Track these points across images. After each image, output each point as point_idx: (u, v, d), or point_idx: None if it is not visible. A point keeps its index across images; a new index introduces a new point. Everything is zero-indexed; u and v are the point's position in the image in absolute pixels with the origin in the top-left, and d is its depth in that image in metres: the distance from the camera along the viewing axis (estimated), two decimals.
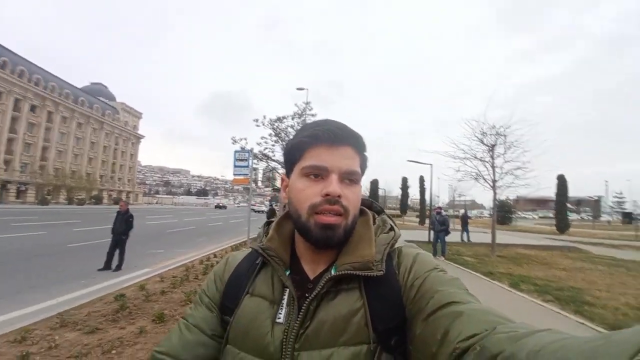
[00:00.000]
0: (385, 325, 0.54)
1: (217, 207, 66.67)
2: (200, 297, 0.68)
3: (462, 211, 22.78)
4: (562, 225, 28.10)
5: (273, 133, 14.04)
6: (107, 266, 7.19)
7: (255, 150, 13.64)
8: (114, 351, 3.12)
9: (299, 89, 17.15)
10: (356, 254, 0.58)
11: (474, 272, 7.85)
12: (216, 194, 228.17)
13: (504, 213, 38.67)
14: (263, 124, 14.28)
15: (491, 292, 6.15)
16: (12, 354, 2.98)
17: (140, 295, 4.97)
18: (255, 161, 13.22)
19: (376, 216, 0.69)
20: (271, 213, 15.10)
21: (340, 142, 0.58)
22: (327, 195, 0.55)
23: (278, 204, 21.70)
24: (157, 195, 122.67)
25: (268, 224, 0.70)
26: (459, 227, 18.67)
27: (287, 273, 0.61)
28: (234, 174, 10.89)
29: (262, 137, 14.28)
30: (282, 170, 9.89)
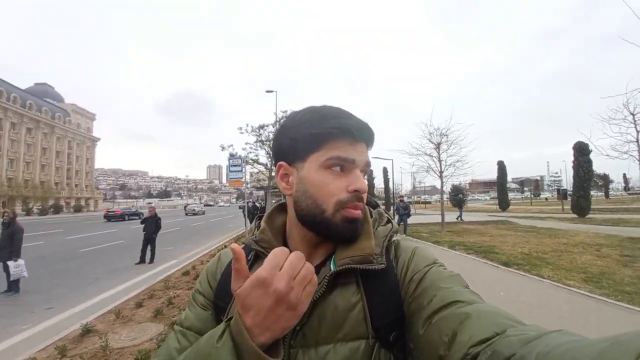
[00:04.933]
0: (384, 319, 0.53)
1: (190, 213, 40.33)
2: (194, 297, 0.66)
3: (458, 196, 25.88)
4: (503, 204, 32.82)
5: (256, 139, 15.98)
6: (142, 260, 8.90)
7: (242, 154, 15.48)
8: None
9: (268, 91, 18.91)
10: (355, 247, 0.57)
11: (426, 242, 10.64)
12: (179, 195, 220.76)
13: (457, 196, 43.45)
14: (246, 131, 16.17)
15: (435, 252, 8.83)
16: (153, 304, 4.92)
17: (198, 270, 6.94)
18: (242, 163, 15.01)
19: (372, 210, 0.69)
20: (260, 210, 16.94)
21: (361, 138, 0.58)
22: (356, 191, 0.55)
23: (261, 201, 23.40)
24: (117, 200, 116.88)
25: (259, 218, 0.70)
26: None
27: None
28: (230, 178, 12.82)
29: (247, 143, 16.20)
30: (267, 172, 12.21)
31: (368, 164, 0.59)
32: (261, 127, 16.00)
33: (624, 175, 77.31)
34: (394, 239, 0.64)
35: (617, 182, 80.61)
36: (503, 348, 0.36)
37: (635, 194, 63.27)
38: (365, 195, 0.58)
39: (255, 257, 0.64)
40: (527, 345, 0.34)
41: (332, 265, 0.57)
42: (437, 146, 14.34)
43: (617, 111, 10.26)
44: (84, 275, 7.49)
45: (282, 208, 0.69)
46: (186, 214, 39.66)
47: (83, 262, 9.33)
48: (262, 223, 0.66)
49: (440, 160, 14.45)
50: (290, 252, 0.57)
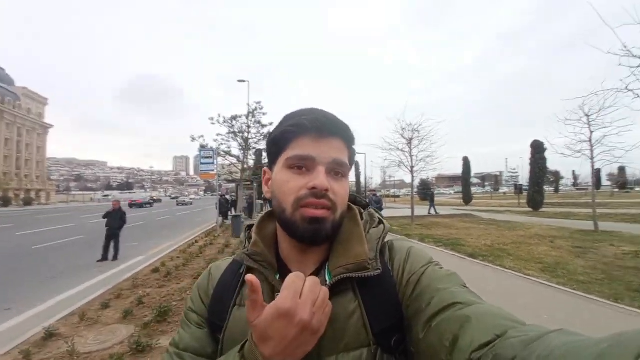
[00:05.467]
0: (383, 325, 0.52)
1: (180, 204, 51.64)
2: (186, 315, 0.63)
3: (430, 191, 27.22)
4: (467, 198, 34.57)
5: (229, 131, 15.52)
6: (104, 257, 8.37)
7: (213, 146, 14.97)
8: (186, 292, 5.02)
9: (240, 81, 18.41)
10: (348, 253, 0.56)
11: (397, 235, 10.93)
12: (142, 187, 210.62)
13: (425, 190, 45.17)
14: (218, 122, 15.63)
15: None
16: (120, 304, 4.67)
17: (168, 267, 6.66)
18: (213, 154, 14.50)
19: (362, 210, 0.66)
20: (231, 204, 16.52)
21: (328, 133, 0.56)
22: (313, 188, 0.53)
23: (232, 194, 22.84)
24: (72, 193, 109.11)
25: (249, 227, 0.66)
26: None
27: (277, 277, 0.57)
28: (201, 170, 12.40)
29: (218, 134, 15.66)
30: (240, 165, 12.08)
31: (336, 161, 0.56)
32: (234, 117, 15.52)
33: (573, 172, 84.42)
34: (387, 239, 0.62)
35: (567, 179, 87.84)
36: (504, 351, 0.36)
37: (583, 189, 69.30)
38: (339, 195, 0.56)
39: (248, 271, 0.60)
40: (528, 347, 0.34)
41: (327, 276, 0.56)
42: (409, 141, 14.78)
43: (573, 112, 11.11)
44: (42, 274, 6.94)
45: (271, 215, 0.66)
46: (177, 205, 48.84)
47: (39, 259, 8.66)
48: (253, 234, 0.62)
49: (411, 156, 14.93)
50: (283, 261, 0.60)
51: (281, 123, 0.60)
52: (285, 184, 0.55)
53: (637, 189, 66.21)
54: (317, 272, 0.58)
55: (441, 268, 0.56)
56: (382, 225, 0.63)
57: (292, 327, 0.43)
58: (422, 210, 20.54)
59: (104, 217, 8.90)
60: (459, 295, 0.48)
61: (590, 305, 4.38)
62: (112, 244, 8.55)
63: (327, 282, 0.54)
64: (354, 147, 0.62)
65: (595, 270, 6.01)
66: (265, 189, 0.63)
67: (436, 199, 46.09)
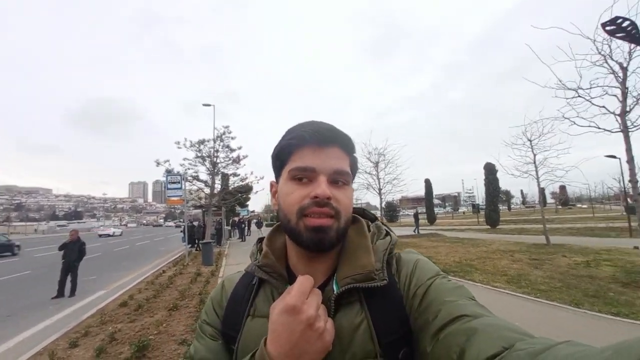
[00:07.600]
0: (390, 337, 0.53)
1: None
2: (201, 328, 0.65)
3: (414, 211, 28.08)
4: (431, 218, 36.10)
5: (196, 155, 15.17)
6: (60, 293, 7.63)
7: (179, 171, 14.49)
8: (162, 325, 4.73)
9: (205, 104, 18.35)
10: (355, 264, 0.57)
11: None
12: (93, 216, 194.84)
13: (391, 212, 46.44)
14: (185, 146, 15.26)
15: None
16: (90, 342, 4.29)
17: (138, 300, 6.24)
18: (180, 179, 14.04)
19: (370, 223, 0.67)
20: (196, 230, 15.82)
21: (327, 143, 0.57)
22: (315, 197, 0.54)
23: (195, 222, 21.89)
24: (13, 224, 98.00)
25: (260, 240, 0.69)
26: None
27: (287, 287, 0.57)
28: (168, 196, 11.90)
29: (185, 159, 15.24)
30: (207, 190, 11.82)
31: (337, 171, 0.57)
32: (201, 142, 15.25)
33: (521, 191, 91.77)
34: (394, 251, 0.63)
35: (516, 197, 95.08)
36: None
37: (531, 207, 75.28)
38: (343, 203, 0.57)
39: (260, 283, 0.63)
40: (536, 359, 0.34)
41: (334, 286, 0.56)
42: (376, 165, 15.44)
43: (518, 137, 12.40)
44: None
45: (281, 227, 0.67)
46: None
47: None
48: (264, 246, 0.65)
49: (379, 178, 15.55)
50: (293, 272, 0.61)
51: (283, 137, 0.62)
52: (289, 195, 0.57)
53: (579, 206, 73.02)
54: (325, 283, 0.59)
55: (449, 280, 0.56)
56: (389, 237, 0.63)
57: (298, 322, 0.45)
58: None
59: (60, 248, 8.17)
60: (466, 308, 0.48)
61: (554, 311, 4.79)
62: (68, 278, 7.87)
63: (335, 292, 0.55)
64: (355, 155, 0.63)
65: (553, 280, 6.57)
66: (272, 201, 0.65)
67: (402, 220, 48.01)
